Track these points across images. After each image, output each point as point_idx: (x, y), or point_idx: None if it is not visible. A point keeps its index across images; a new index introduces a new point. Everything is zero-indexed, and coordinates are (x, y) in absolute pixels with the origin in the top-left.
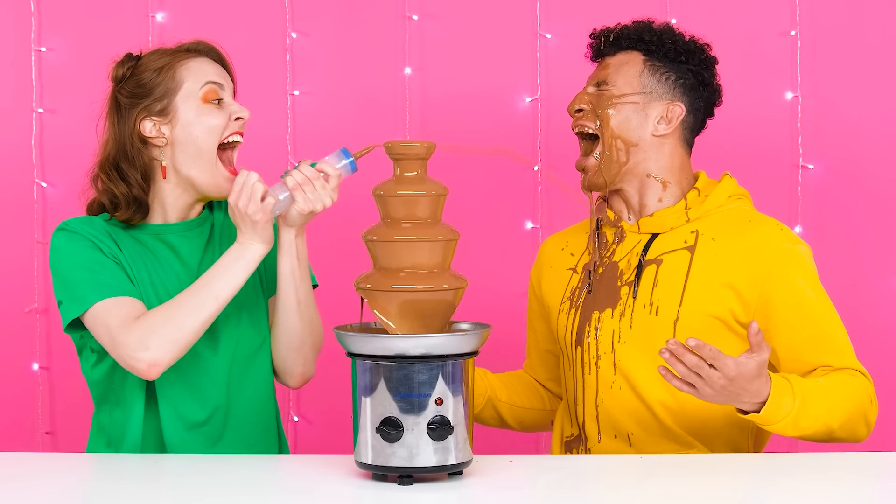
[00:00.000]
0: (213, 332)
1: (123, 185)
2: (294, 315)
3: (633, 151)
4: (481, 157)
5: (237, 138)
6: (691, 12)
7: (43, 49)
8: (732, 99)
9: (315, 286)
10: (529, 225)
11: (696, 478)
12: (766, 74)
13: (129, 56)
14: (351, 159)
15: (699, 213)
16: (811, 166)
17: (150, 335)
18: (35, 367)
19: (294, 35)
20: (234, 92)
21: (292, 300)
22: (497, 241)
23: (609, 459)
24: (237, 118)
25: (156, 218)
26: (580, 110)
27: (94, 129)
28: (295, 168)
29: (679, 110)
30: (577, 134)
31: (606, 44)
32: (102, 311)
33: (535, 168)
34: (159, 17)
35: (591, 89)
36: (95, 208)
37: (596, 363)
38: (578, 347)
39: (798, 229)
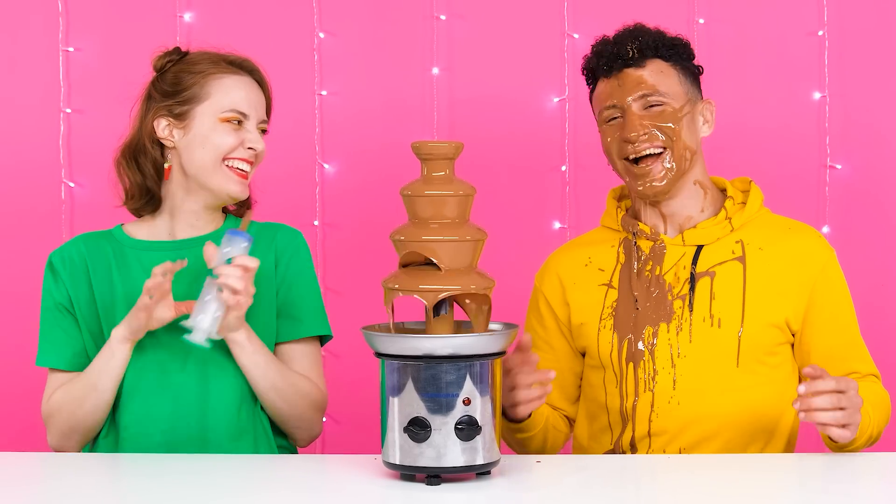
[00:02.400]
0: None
1: (138, 175)
2: (275, 398)
3: (694, 158)
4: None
5: (243, 166)
6: (718, 13)
7: (71, 49)
8: (760, 99)
9: (329, 338)
10: (557, 225)
11: (726, 476)
12: (793, 75)
13: (176, 50)
14: (246, 234)
15: (740, 222)
16: (839, 166)
17: (50, 421)
18: None
19: (322, 35)
20: (268, 119)
21: (267, 386)
22: (525, 241)
23: (637, 459)
24: (249, 147)
25: (161, 226)
26: (645, 134)
27: (121, 128)
28: (212, 276)
29: (712, 107)
30: (631, 160)
31: (629, 56)
32: (49, 376)
33: (563, 168)
34: (187, 17)
35: (636, 108)
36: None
37: (653, 378)
38: (630, 364)
39: (825, 229)
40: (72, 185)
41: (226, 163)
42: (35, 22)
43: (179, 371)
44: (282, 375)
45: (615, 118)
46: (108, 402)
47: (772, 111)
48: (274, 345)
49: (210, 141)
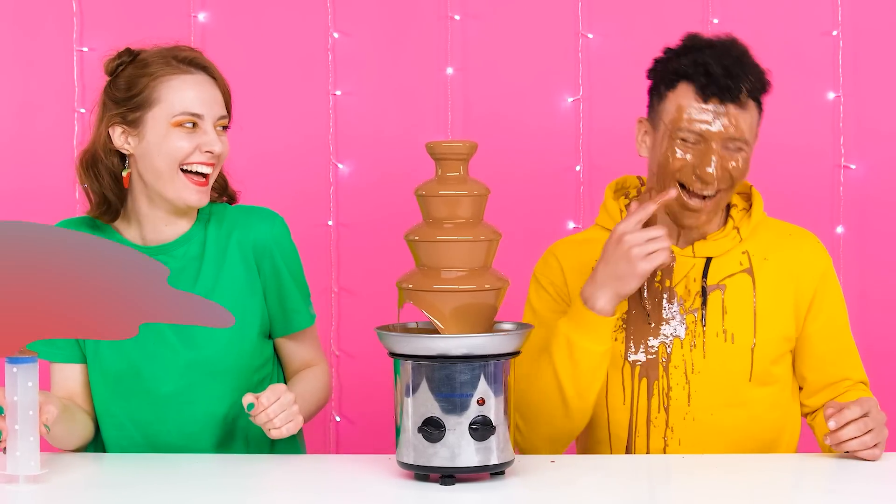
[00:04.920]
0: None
1: (96, 183)
2: (311, 415)
3: None
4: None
5: (202, 169)
6: (733, 12)
7: (85, 49)
8: (775, 99)
9: (314, 319)
10: (571, 225)
11: (739, 475)
12: (807, 74)
13: (126, 52)
14: (26, 357)
15: (747, 233)
16: (853, 166)
17: None
18: None
19: (336, 35)
20: (229, 115)
21: (311, 414)
22: (539, 241)
23: (651, 459)
24: (207, 151)
25: (131, 233)
26: (722, 181)
27: None
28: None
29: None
30: (686, 188)
31: (738, 96)
32: (51, 368)
33: (577, 168)
34: (201, 17)
35: (719, 146)
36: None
37: (667, 395)
38: (644, 379)
39: (840, 229)
40: (85, 185)
41: (184, 168)
42: (49, 22)
43: (161, 375)
44: (316, 398)
45: (695, 143)
46: (72, 438)
47: (786, 111)
48: (241, 327)
49: (164, 147)
